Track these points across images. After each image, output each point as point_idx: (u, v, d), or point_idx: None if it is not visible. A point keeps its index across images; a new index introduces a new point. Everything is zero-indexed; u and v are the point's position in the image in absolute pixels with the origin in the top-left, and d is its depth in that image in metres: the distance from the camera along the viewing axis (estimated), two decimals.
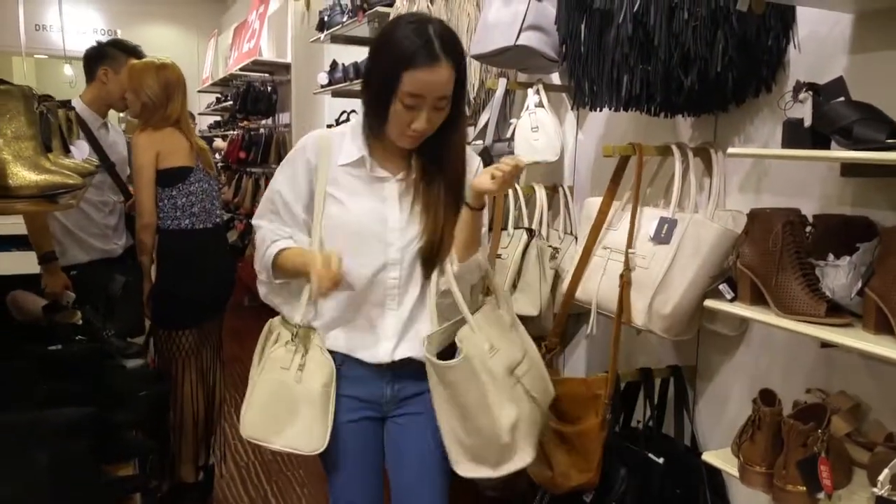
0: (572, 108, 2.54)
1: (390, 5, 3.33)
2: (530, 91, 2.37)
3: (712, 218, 1.79)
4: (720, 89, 1.69)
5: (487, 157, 2.64)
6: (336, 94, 4.52)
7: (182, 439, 2.83)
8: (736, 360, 1.95)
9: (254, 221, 1.72)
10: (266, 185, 6.41)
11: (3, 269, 2.80)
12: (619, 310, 1.86)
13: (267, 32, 6.61)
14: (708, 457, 1.68)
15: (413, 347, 1.61)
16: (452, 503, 1.70)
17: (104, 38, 3.17)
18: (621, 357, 1.98)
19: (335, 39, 4.31)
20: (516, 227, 2.38)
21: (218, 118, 8.63)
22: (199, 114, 8.68)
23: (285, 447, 1.59)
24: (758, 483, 1.51)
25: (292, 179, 1.64)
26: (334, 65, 4.47)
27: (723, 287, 1.60)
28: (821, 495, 1.38)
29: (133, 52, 2.89)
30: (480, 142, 2.62)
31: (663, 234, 1.80)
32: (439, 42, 1.46)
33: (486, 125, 2.58)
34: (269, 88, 6.38)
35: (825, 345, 1.46)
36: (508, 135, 2.51)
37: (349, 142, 1.61)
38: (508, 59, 2.33)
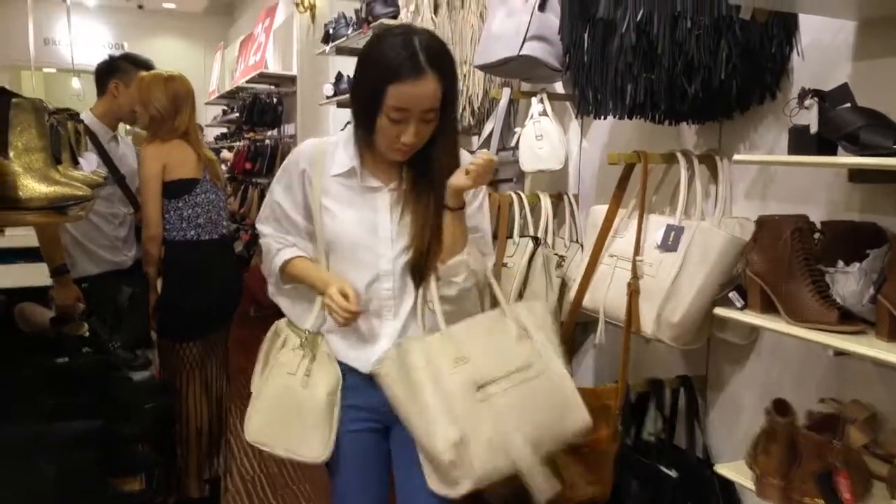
0: (576, 117, 2.54)
1: (395, 17, 3.34)
2: (534, 100, 2.38)
3: (719, 225, 1.78)
4: (724, 97, 1.69)
5: None
6: (341, 104, 4.54)
7: (188, 452, 2.82)
8: (747, 370, 1.93)
9: (257, 225, 1.75)
10: None
11: (10, 282, 2.81)
12: (627, 318, 1.85)
13: (273, 45, 6.66)
14: (721, 469, 1.65)
15: None
16: None
17: (114, 52, 3.19)
18: (630, 367, 1.97)
19: (340, 51, 4.33)
20: (522, 236, 2.38)
21: (224, 130, 8.68)
22: (206, 126, 8.72)
23: (288, 453, 1.59)
24: (774, 496, 1.49)
25: (288, 189, 1.67)
26: (339, 76, 4.49)
27: (732, 295, 1.59)
28: None
29: (144, 65, 2.91)
30: (485, 151, 2.62)
31: (670, 242, 1.79)
32: (425, 54, 1.44)
33: (490, 134, 2.58)
34: (275, 100, 6.41)
35: (838, 353, 1.44)
36: (513, 144, 2.51)
37: (342, 152, 1.61)
38: (512, 69, 2.33)
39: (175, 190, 2.67)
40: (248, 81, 6.53)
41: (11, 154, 1.27)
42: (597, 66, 1.82)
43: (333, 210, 1.60)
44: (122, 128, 3.10)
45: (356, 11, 3.97)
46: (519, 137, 2.40)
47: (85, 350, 1.99)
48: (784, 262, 1.45)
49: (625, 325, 1.87)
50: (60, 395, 1.59)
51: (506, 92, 2.48)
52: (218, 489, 3.00)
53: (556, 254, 2.37)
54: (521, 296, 2.31)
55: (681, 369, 2.11)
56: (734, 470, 1.62)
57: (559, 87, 2.56)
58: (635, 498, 1.92)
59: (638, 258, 1.85)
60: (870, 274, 1.37)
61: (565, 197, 2.52)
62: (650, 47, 1.64)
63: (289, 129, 6.37)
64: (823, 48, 1.65)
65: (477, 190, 1.65)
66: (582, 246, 2.40)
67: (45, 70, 9.73)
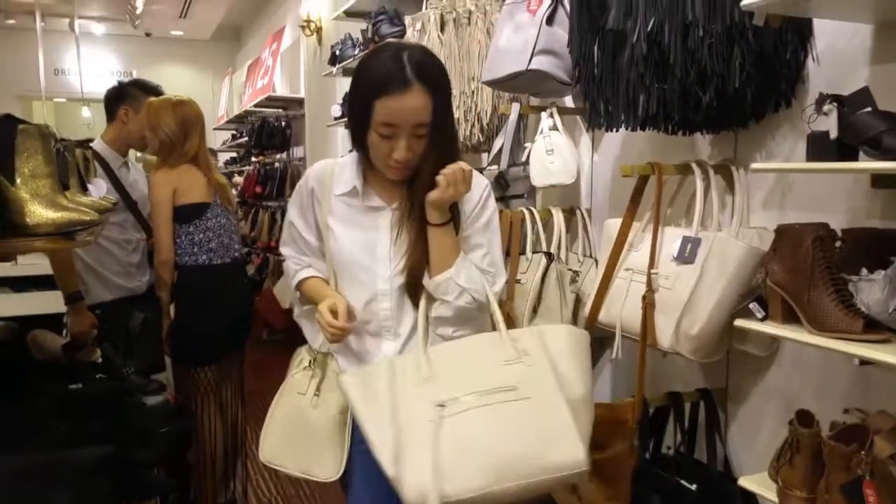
0: (587, 130, 2.53)
1: (401, 36, 3.36)
2: (544, 114, 2.36)
3: (737, 236, 1.76)
4: (739, 105, 1.67)
5: (503, 183, 2.63)
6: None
7: (204, 476, 2.80)
8: (768, 382, 1.90)
9: (280, 247, 1.76)
10: (282, 218, 6.46)
11: (24, 310, 2.81)
12: (643, 332, 1.83)
13: (280, 68, 6.71)
14: (744, 482, 1.63)
15: None
16: None
17: (123, 79, 3.21)
18: (648, 381, 1.94)
19: (347, 73, 4.35)
20: (535, 252, 2.36)
21: (234, 154, 8.73)
22: (215, 150, 8.78)
23: (300, 472, 1.59)
24: None
25: (301, 210, 1.67)
26: (346, 97, 4.51)
27: (753, 306, 1.56)
28: None
29: (153, 91, 2.91)
30: (495, 167, 2.61)
31: (687, 254, 1.77)
32: (412, 67, 1.41)
33: (500, 151, 2.57)
34: (284, 123, 6.45)
35: (864, 362, 1.41)
36: (523, 159, 2.50)
37: (347, 171, 1.60)
38: (521, 83, 2.33)
39: (185, 215, 2.67)
40: (256, 105, 6.57)
41: (18, 180, 1.26)
42: (608, 78, 1.81)
43: (335, 230, 1.60)
44: (133, 154, 3.11)
45: (362, 32, 3.99)
46: (529, 153, 2.39)
47: (98, 376, 1.98)
48: (805, 270, 1.43)
49: (640, 338, 1.84)
50: (74, 421, 1.58)
51: (515, 107, 2.47)
52: None
53: (570, 269, 2.35)
54: (535, 312, 2.29)
55: (700, 382, 2.08)
56: (758, 482, 1.59)
57: (569, 102, 2.55)
58: None
59: (654, 271, 1.83)
60: (895, 281, 1.34)
61: (578, 211, 2.50)
62: (662, 57, 1.63)
63: (298, 151, 6.40)
64: (839, 53, 1.63)
65: (483, 207, 1.59)
66: (596, 261, 2.38)
67: (56, 100, 9.85)
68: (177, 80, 9.12)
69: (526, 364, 1.43)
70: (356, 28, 4.22)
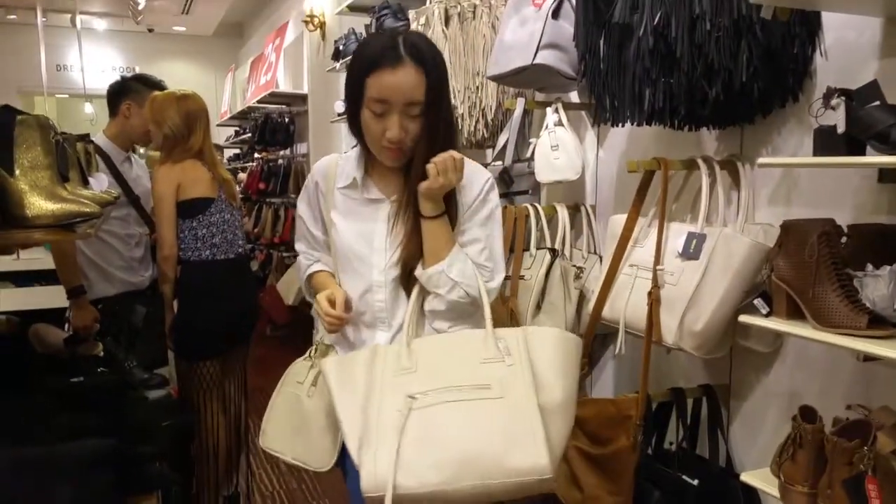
0: (592, 126, 2.52)
1: None
2: (549, 110, 2.35)
3: (742, 232, 1.75)
4: (746, 100, 1.66)
5: (508, 179, 2.63)
6: None
7: (206, 470, 2.80)
8: (771, 378, 1.90)
9: (295, 244, 1.77)
10: (286, 214, 6.44)
11: (26, 304, 2.82)
12: (648, 328, 1.82)
13: (283, 64, 6.69)
14: (746, 477, 1.62)
15: None
16: None
17: (126, 74, 3.20)
18: (651, 377, 1.93)
19: None
20: (539, 248, 2.35)
21: (237, 151, 8.73)
22: (221, 146, 8.77)
23: (296, 460, 1.61)
24: (801, 503, 1.45)
25: (308, 205, 1.68)
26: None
27: (758, 302, 1.55)
28: None
29: (156, 86, 2.90)
30: (500, 163, 2.60)
31: (692, 250, 1.76)
32: (405, 46, 1.43)
33: (504, 146, 2.56)
34: (287, 119, 6.44)
35: (868, 358, 1.40)
36: (528, 155, 2.49)
37: (351, 165, 1.60)
38: (526, 78, 2.31)
39: (189, 210, 2.67)
40: (259, 101, 6.56)
41: (17, 171, 1.26)
42: (613, 73, 1.80)
43: (337, 223, 1.60)
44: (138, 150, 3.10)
45: (366, 27, 3.98)
46: (534, 148, 2.38)
47: (100, 370, 1.98)
48: (811, 266, 1.42)
49: (645, 334, 1.83)
50: (76, 414, 1.58)
51: (520, 102, 2.46)
52: None
53: (574, 265, 2.34)
54: (539, 308, 2.28)
55: (703, 378, 2.07)
56: (760, 478, 1.59)
57: (574, 97, 2.54)
58: None
59: (659, 267, 1.82)
60: None
61: (582, 208, 2.50)
62: (668, 51, 1.61)
63: (301, 147, 6.39)
64: (848, 47, 1.61)
65: (484, 200, 1.57)
66: (600, 257, 2.38)
67: (58, 96, 9.85)
68: (179, 76, 9.11)
69: (506, 364, 1.40)
70: (360, 23, 4.21)
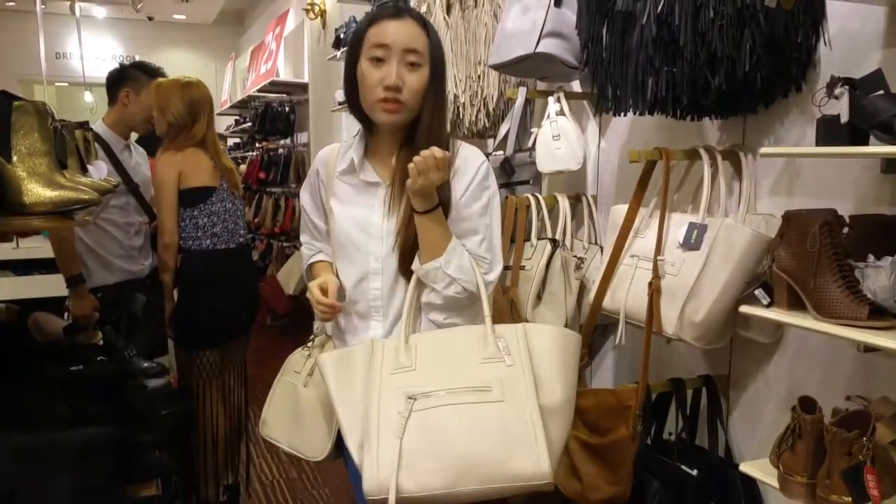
0: (594, 116, 2.51)
1: None
2: (551, 99, 2.34)
3: (743, 222, 1.74)
4: (748, 90, 1.65)
5: (509, 168, 2.62)
6: None
7: (206, 459, 2.81)
8: (771, 369, 1.89)
9: (300, 236, 1.76)
10: (286, 204, 6.42)
11: (25, 293, 2.82)
12: (648, 318, 1.82)
13: (284, 53, 6.67)
14: (746, 467, 1.62)
15: None
16: None
17: (125, 62, 3.18)
18: (651, 367, 1.93)
19: None
20: (540, 238, 2.35)
21: (237, 140, 8.71)
22: (225, 135, 8.76)
23: (291, 449, 1.63)
24: (799, 494, 1.46)
25: (311, 194, 1.68)
26: None
27: (758, 292, 1.55)
28: None
29: (155, 73, 2.89)
30: (501, 152, 2.59)
31: (693, 240, 1.75)
32: (407, 9, 1.47)
33: (505, 136, 2.55)
34: (287, 108, 6.42)
35: (868, 349, 1.40)
36: (529, 145, 2.48)
37: (350, 151, 1.58)
38: (528, 67, 2.30)
39: (190, 198, 2.66)
40: (259, 90, 6.54)
41: (15, 158, 1.25)
42: (616, 61, 1.78)
43: (335, 210, 1.58)
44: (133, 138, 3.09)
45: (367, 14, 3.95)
46: (536, 138, 2.37)
47: (99, 359, 1.97)
48: (812, 257, 1.41)
49: (646, 324, 1.83)
50: (75, 403, 1.57)
51: (522, 91, 2.44)
52: (237, 495, 2.98)
53: (575, 256, 2.34)
54: (539, 298, 2.28)
55: (703, 369, 2.07)
56: (759, 468, 1.59)
57: (576, 86, 2.53)
58: (657, 497, 1.88)
59: (660, 257, 1.82)
60: None
61: (583, 198, 2.49)
62: (671, 39, 1.60)
63: (302, 137, 6.37)
64: (852, 36, 1.60)
65: (479, 187, 1.53)
66: (601, 248, 2.37)
67: (58, 84, 9.82)
68: (179, 64, 9.07)
69: (506, 364, 1.38)
70: (361, 11, 4.19)
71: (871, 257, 1.40)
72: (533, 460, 1.28)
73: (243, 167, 7.56)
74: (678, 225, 1.82)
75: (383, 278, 1.52)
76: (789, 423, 1.51)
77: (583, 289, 2.30)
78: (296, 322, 5.62)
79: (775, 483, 1.51)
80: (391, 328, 1.54)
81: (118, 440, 1.36)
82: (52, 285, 2.78)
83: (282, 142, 6.76)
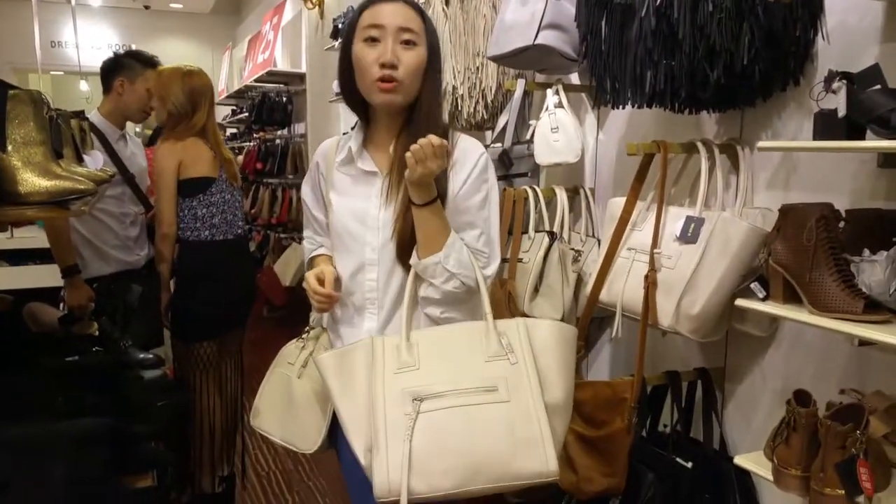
0: (593, 108, 2.51)
1: None
2: (549, 92, 2.34)
3: (740, 216, 1.74)
4: (747, 83, 1.65)
5: (507, 161, 2.61)
6: None
7: (202, 450, 2.81)
8: (766, 362, 1.90)
9: (304, 230, 1.75)
10: (283, 195, 6.40)
11: (20, 283, 2.81)
12: (644, 311, 1.82)
13: (281, 43, 6.64)
14: (740, 460, 1.63)
15: None
16: None
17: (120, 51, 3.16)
18: (647, 360, 1.94)
19: None
20: (537, 231, 2.34)
21: (234, 130, 8.68)
22: (224, 126, 8.73)
23: (283, 441, 1.60)
24: (793, 486, 1.47)
25: (312, 188, 1.66)
26: None
27: (754, 286, 1.55)
28: (860, 498, 1.33)
29: (150, 62, 2.87)
30: (499, 144, 2.59)
31: (690, 234, 1.76)
32: None
33: (504, 128, 2.55)
34: (285, 98, 6.40)
35: (862, 343, 1.41)
36: (528, 137, 2.48)
37: (350, 141, 1.57)
38: (526, 59, 2.30)
39: (189, 189, 2.65)
40: (256, 80, 6.51)
41: (10, 147, 1.24)
42: (615, 54, 1.78)
43: (334, 202, 1.57)
44: (132, 128, 3.07)
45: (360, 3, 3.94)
46: (534, 130, 2.36)
47: (95, 349, 1.97)
48: (808, 251, 1.42)
49: (642, 317, 1.83)
50: (71, 394, 1.57)
51: (520, 83, 2.44)
52: (233, 485, 2.98)
53: (573, 248, 2.34)
54: (537, 291, 2.28)
55: (699, 362, 2.08)
56: (753, 461, 1.59)
57: (575, 79, 2.53)
58: (651, 489, 1.89)
59: (656, 250, 1.82)
60: None
61: (581, 191, 2.49)
62: (670, 32, 1.60)
63: (299, 127, 6.35)
64: (850, 31, 1.60)
65: (478, 180, 1.51)
66: (598, 240, 2.37)
67: (53, 73, 9.78)
68: (176, 54, 9.03)
69: (510, 362, 1.37)
70: (358, 1, 4.17)
71: (866, 252, 1.40)
72: (540, 459, 1.29)
73: (240, 158, 7.54)
74: (675, 218, 1.82)
75: (379, 269, 1.51)
76: (784, 417, 1.52)
77: (580, 281, 2.30)
78: (292, 313, 5.62)
79: (769, 476, 1.52)
80: (386, 320, 1.52)
81: (114, 431, 1.36)
82: (47, 275, 2.77)
83: (279, 132, 6.73)
